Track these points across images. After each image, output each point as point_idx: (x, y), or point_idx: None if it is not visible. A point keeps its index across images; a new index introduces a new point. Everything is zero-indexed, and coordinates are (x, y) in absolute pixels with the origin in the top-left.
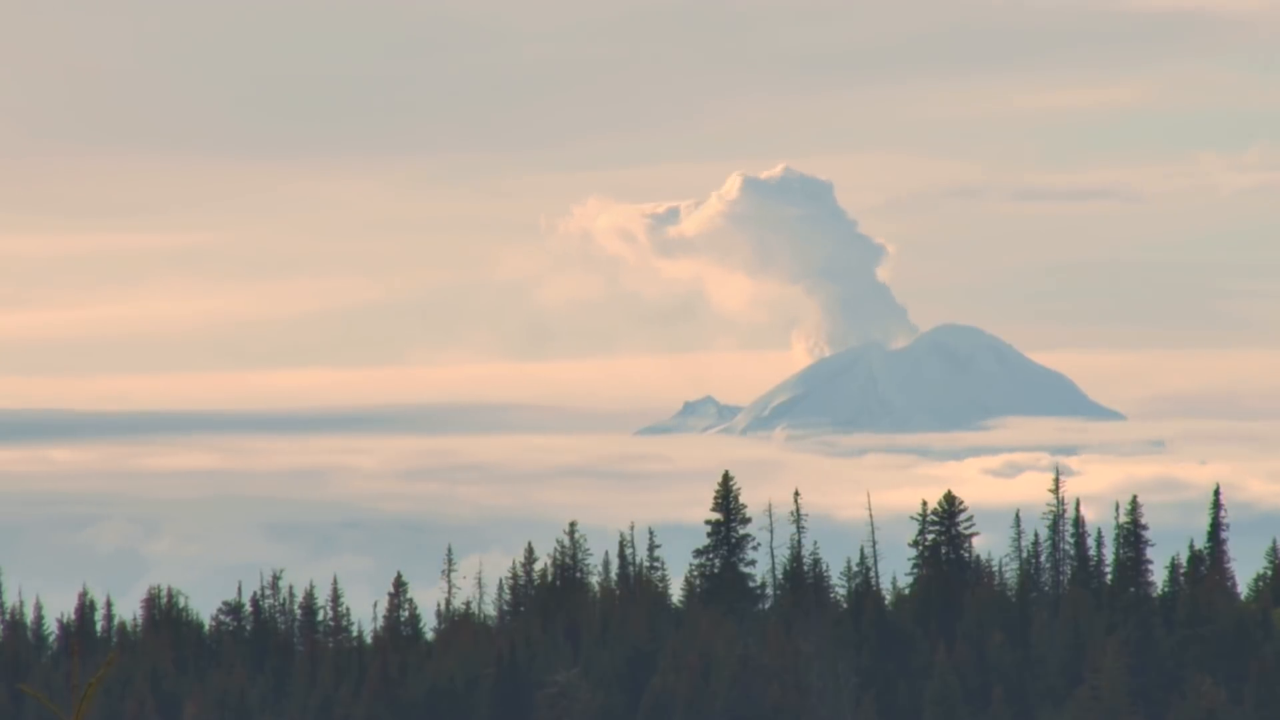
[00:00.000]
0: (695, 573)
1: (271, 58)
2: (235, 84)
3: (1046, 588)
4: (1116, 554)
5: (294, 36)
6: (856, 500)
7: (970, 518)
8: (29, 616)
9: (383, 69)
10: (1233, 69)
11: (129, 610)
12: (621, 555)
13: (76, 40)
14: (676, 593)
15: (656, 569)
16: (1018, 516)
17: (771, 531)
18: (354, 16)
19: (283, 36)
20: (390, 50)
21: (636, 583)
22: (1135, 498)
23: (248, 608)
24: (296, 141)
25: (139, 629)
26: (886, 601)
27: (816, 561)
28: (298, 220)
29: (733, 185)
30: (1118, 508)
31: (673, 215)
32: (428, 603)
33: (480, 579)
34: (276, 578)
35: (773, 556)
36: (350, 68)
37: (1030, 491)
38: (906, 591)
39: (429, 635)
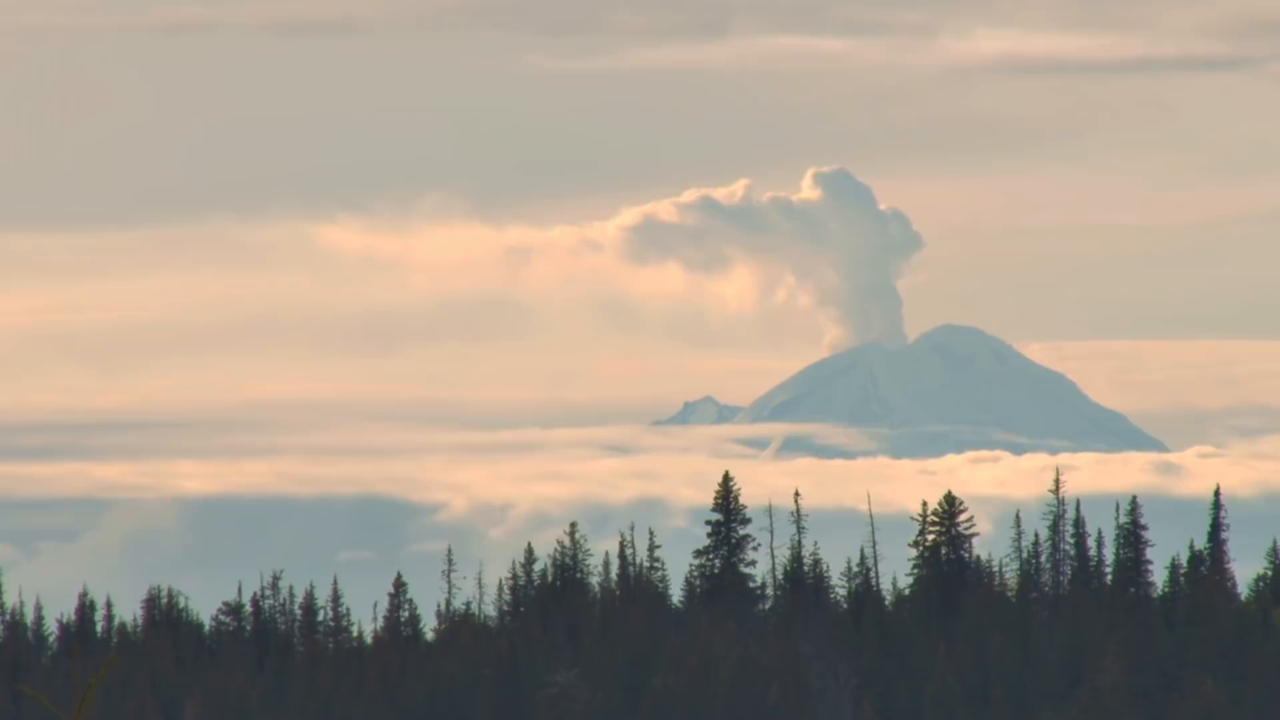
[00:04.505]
0: (695, 573)
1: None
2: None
3: (1046, 588)
4: (1117, 554)
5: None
6: (857, 500)
7: (970, 518)
8: (29, 616)
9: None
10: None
11: (129, 611)
12: (621, 555)
13: None
14: (677, 593)
15: (656, 569)
16: (1018, 516)
17: (771, 532)
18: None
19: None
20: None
21: (636, 583)
22: (1135, 498)
23: (248, 608)
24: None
25: (139, 629)
26: (886, 602)
27: (816, 562)
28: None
29: (739, 186)
30: (1118, 508)
31: (680, 214)
32: (428, 602)
33: (480, 579)
34: (276, 578)
35: (773, 557)
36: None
37: (1030, 491)
38: (906, 592)
39: (429, 635)
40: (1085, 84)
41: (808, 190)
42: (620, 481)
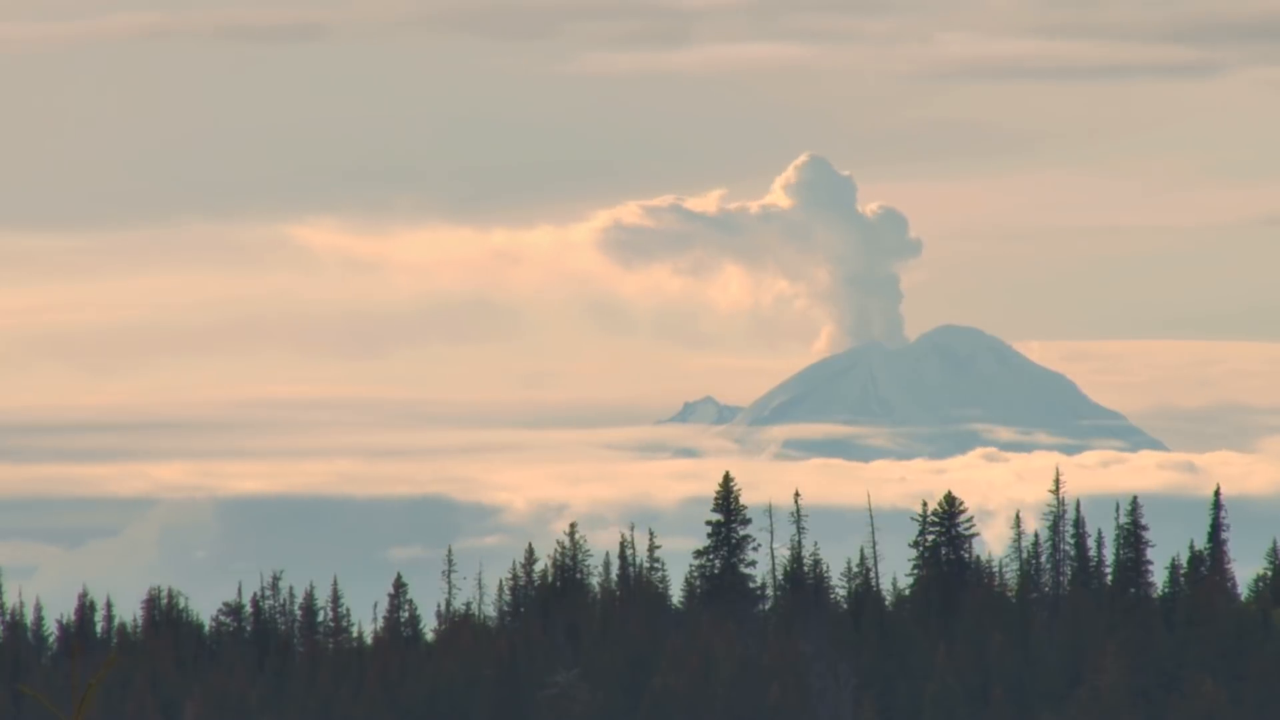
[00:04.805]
0: (695, 573)
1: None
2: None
3: (1046, 588)
4: (1117, 554)
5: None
6: (856, 500)
7: (970, 518)
8: (29, 617)
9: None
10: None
11: (129, 611)
12: (622, 555)
13: None
14: (677, 593)
15: (656, 569)
16: (1018, 516)
17: (771, 532)
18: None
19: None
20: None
21: (636, 583)
22: (1135, 498)
23: (248, 608)
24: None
25: (139, 630)
26: (886, 602)
27: (816, 562)
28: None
29: (727, 189)
30: (1118, 508)
31: (681, 211)
32: (428, 603)
33: (480, 580)
34: (276, 578)
35: (773, 557)
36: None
37: (1030, 491)
38: (906, 592)
39: (429, 636)
40: (1069, 89)
41: (801, 191)
42: (669, 482)
